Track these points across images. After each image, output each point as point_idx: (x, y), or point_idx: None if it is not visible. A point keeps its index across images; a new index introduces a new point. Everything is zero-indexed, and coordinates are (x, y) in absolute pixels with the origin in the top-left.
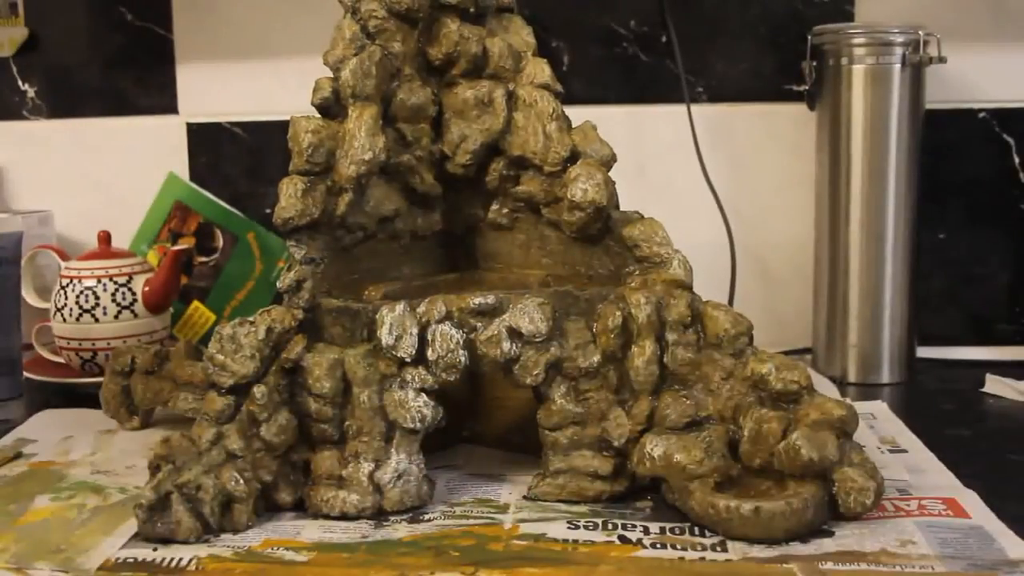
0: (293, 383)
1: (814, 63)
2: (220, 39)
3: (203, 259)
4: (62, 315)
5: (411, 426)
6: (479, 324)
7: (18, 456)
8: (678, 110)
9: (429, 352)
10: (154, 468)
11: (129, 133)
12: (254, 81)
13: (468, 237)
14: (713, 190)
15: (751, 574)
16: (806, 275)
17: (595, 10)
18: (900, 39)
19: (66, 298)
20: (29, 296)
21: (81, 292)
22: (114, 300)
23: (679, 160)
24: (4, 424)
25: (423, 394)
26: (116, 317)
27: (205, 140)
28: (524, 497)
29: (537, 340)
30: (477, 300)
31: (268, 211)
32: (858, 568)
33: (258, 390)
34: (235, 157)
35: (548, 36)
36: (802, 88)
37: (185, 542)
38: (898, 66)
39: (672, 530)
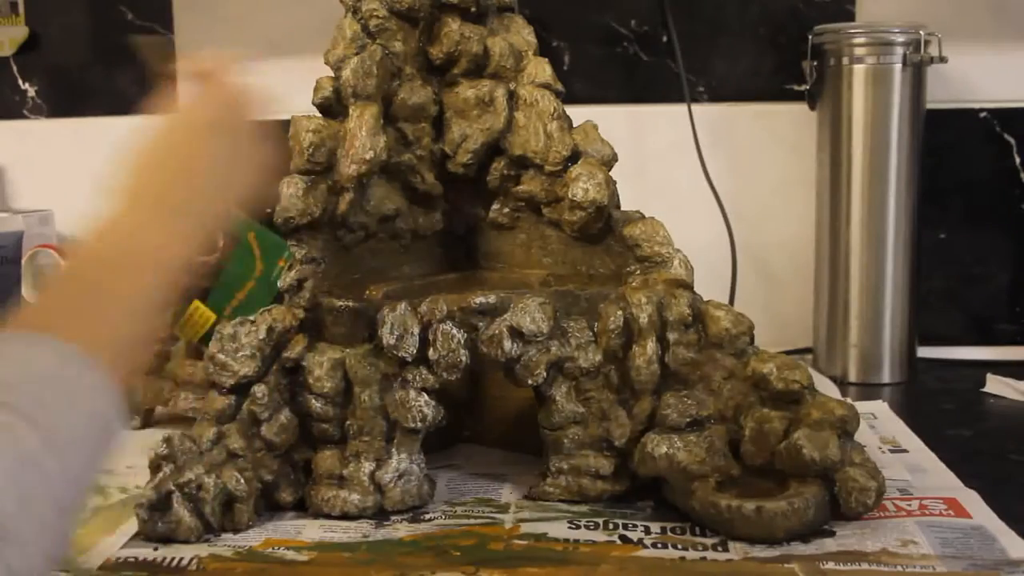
0: (294, 382)
1: (815, 63)
2: (221, 38)
3: (203, 259)
4: None
5: (412, 426)
6: (481, 324)
7: None
8: (678, 110)
9: (430, 352)
10: (155, 467)
11: (130, 132)
12: (255, 80)
13: (469, 237)
14: (714, 190)
15: (752, 574)
16: (807, 275)
17: (596, 10)
18: (901, 39)
19: None
20: (29, 295)
21: None
22: None
23: (679, 160)
24: None
25: (424, 394)
26: None
27: None
28: (525, 497)
29: (538, 340)
30: (479, 300)
31: (269, 210)
32: (859, 568)
33: (259, 389)
34: None
35: (549, 36)
36: (803, 88)
37: (186, 541)
38: (899, 66)
39: (673, 530)
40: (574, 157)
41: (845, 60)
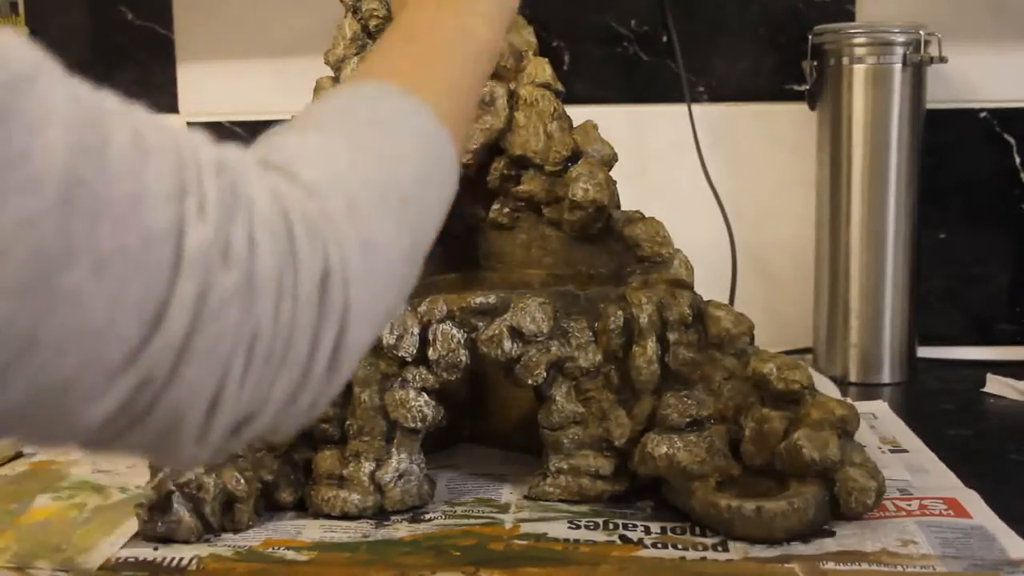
0: None
1: (815, 63)
2: (221, 38)
3: None
4: None
5: (412, 426)
6: (480, 323)
7: (19, 455)
8: (679, 110)
9: (430, 351)
10: (155, 467)
11: None
12: (255, 80)
13: (469, 236)
14: (714, 190)
15: (752, 574)
16: (807, 275)
17: (596, 10)
18: (901, 39)
19: None
20: None
21: None
22: None
23: (680, 160)
24: None
25: (424, 394)
26: None
27: None
28: (525, 497)
29: (538, 340)
30: (478, 299)
31: None
32: (859, 568)
33: None
34: None
35: (549, 35)
36: (803, 88)
37: (186, 541)
38: (899, 66)
39: (673, 530)
40: (574, 157)
41: (845, 60)
